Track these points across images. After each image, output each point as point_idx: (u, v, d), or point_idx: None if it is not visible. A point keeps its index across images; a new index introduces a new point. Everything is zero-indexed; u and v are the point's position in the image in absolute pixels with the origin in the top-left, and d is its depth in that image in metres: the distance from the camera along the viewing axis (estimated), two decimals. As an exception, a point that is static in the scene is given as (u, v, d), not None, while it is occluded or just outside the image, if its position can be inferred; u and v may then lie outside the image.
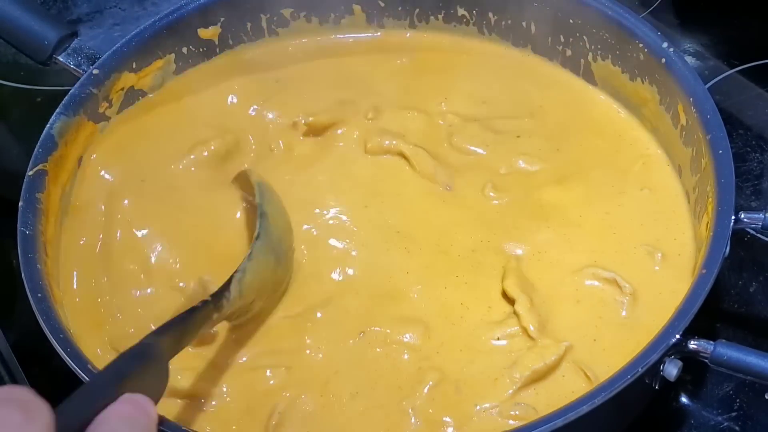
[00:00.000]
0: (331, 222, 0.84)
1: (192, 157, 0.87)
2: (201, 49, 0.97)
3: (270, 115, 0.93)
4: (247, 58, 0.99)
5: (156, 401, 0.58)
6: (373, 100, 0.93)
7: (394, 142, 0.88)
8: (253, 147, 0.90)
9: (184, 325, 0.66)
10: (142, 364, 0.58)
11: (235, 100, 0.94)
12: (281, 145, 0.91)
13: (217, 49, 0.98)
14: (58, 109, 0.86)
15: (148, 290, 0.80)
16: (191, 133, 0.90)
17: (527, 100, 0.94)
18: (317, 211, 0.85)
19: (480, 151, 0.90)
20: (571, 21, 0.94)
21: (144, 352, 0.60)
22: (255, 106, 0.93)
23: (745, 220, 0.75)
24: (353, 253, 0.82)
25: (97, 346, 0.77)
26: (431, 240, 0.82)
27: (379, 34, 1.01)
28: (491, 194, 0.86)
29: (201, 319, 0.68)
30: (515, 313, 0.76)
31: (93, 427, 0.50)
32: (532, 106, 0.93)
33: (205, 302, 0.69)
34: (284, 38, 1.00)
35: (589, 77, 0.95)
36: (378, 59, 0.99)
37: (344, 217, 0.85)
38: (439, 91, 0.95)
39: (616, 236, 0.82)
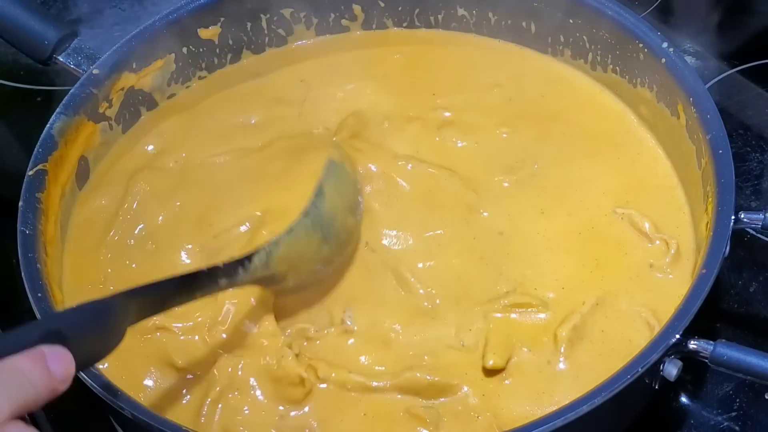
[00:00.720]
0: None
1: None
2: (201, 49, 0.97)
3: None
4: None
5: (91, 362, 0.59)
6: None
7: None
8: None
9: (162, 291, 0.66)
10: (86, 322, 0.57)
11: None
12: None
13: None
14: (58, 109, 0.86)
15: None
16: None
17: (530, 99, 0.94)
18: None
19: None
20: (571, 21, 0.94)
21: (98, 309, 0.59)
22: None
23: (745, 220, 0.75)
24: None
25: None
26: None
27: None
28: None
29: (197, 284, 0.68)
30: None
31: None
32: (535, 105, 0.94)
33: (202, 271, 0.69)
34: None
35: (590, 75, 0.95)
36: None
37: None
38: (442, 89, 0.95)
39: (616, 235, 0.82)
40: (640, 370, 0.65)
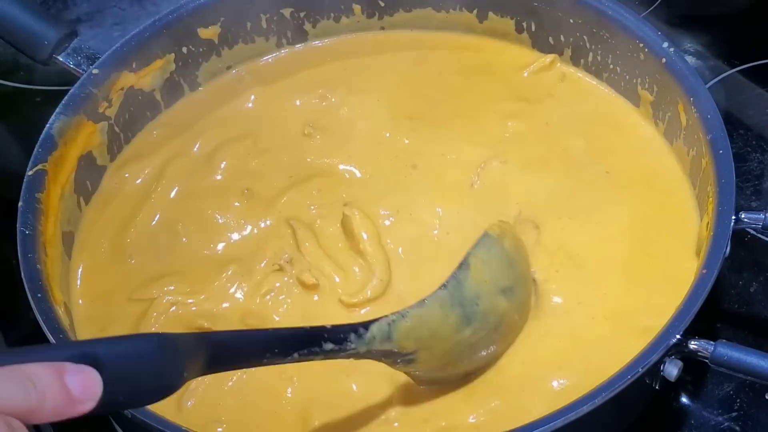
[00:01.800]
0: None
1: None
2: (201, 49, 0.97)
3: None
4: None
5: (133, 404, 0.53)
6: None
7: None
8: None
9: (245, 343, 0.60)
10: (133, 354, 0.50)
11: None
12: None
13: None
14: (57, 109, 0.86)
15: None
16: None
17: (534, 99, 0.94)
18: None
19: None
20: (571, 21, 0.94)
21: (153, 344, 0.51)
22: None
23: (746, 220, 0.75)
24: None
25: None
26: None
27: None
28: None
29: (292, 344, 0.62)
30: None
31: None
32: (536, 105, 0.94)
33: (301, 330, 0.64)
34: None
35: (591, 75, 0.95)
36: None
37: None
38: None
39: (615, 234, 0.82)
40: (640, 370, 0.65)
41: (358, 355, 0.66)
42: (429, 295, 0.70)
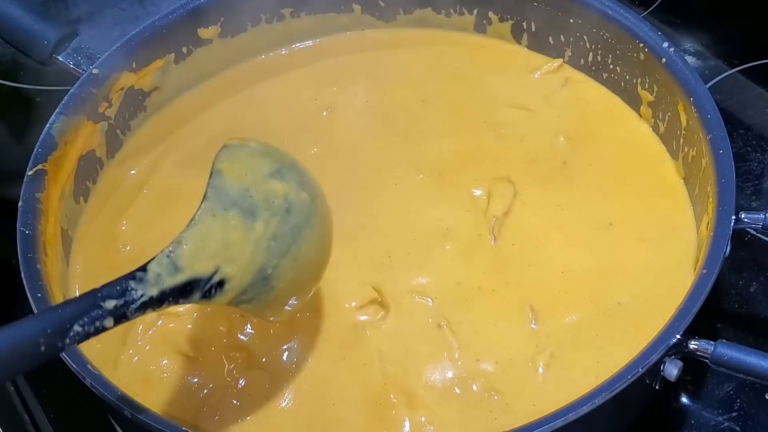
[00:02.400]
0: None
1: None
2: (201, 49, 0.97)
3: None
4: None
5: None
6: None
7: None
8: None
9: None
10: None
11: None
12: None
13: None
14: (57, 109, 0.86)
15: None
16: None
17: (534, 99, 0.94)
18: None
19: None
20: (571, 21, 0.94)
21: None
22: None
23: (746, 220, 0.75)
24: None
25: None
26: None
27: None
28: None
29: (73, 317, 0.58)
30: None
31: None
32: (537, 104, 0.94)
33: (76, 299, 0.60)
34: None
35: (591, 75, 0.95)
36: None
37: None
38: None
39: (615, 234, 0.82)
40: (640, 370, 0.65)
41: (157, 302, 0.62)
42: (195, 213, 0.66)
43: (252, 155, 0.71)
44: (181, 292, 0.64)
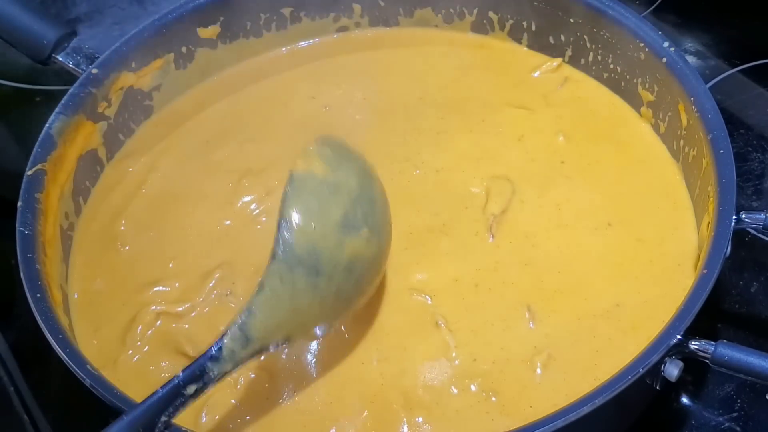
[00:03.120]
0: None
1: None
2: (200, 48, 0.96)
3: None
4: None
5: None
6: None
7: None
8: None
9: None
10: None
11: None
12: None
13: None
14: (57, 109, 0.86)
15: None
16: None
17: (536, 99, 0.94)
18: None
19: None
20: (571, 20, 0.94)
21: None
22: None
23: (747, 220, 0.74)
24: None
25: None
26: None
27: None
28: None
29: (158, 411, 0.61)
30: None
31: None
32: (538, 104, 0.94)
33: (159, 393, 0.62)
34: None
35: (591, 75, 0.95)
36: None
37: None
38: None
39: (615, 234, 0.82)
40: (641, 370, 0.65)
41: (232, 371, 0.64)
42: (263, 275, 0.64)
43: (319, 195, 0.66)
44: (252, 356, 0.65)
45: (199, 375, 0.63)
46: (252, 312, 0.64)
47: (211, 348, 0.64)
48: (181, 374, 0.63)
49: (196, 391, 0.63)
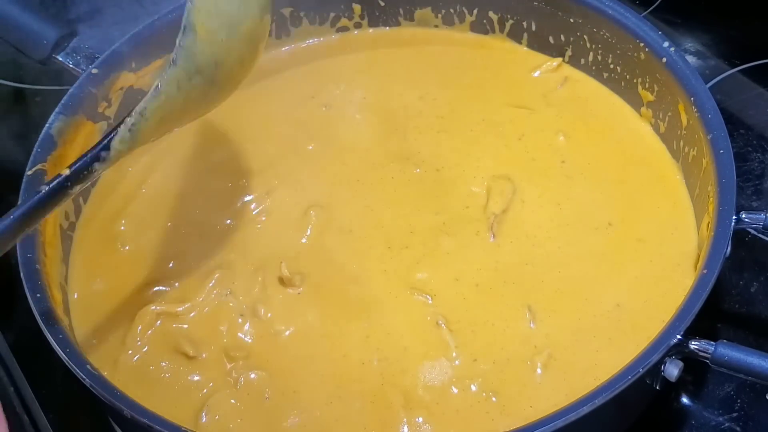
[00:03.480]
0: None
1: None
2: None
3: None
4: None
5: None
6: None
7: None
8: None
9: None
10: None
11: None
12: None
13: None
14: (57, 109, 0.86)
15: None
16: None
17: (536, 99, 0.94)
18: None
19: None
20: (571, 20, 0.94)
21: None
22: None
23: (747, 220, 0.74)
24: None
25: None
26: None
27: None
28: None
29: (46, 207, 0.65)
30: None
31: None
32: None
33: (44, 191, 0.65)
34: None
35: (591, 75, 0.95)
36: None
37: None
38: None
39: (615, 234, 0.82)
40: (641, 370, 0.65)
41: (116, 160, 0.66)
42: (159, 79, 0.64)
43: (231, 2, 0.65)
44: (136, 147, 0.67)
45: (86, 174, 0.65)
46: (144, 116, 0.65)
47: (98, 149, 0.65)
48: (68, 171, 0.65)
49: (78, 188, 0.65)
